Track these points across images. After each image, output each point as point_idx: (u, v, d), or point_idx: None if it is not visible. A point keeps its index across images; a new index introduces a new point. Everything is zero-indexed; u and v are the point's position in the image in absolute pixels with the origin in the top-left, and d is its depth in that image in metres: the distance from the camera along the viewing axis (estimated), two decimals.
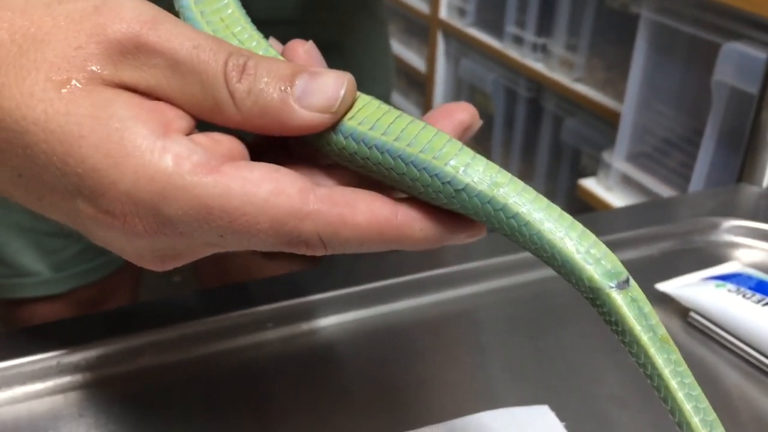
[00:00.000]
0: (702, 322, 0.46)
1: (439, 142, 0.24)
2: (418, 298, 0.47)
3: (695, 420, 0.23)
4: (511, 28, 1.50)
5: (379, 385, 0.41)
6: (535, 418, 0.38)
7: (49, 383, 0.40)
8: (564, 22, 1.36)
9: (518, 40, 1.48)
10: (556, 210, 0.24)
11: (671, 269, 0.50)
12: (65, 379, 0.40)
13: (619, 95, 1.24)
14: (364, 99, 0.26)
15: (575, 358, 0.44)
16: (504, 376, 0.42)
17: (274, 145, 0.28)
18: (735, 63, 0.97)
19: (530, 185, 0.25)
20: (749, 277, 0.47)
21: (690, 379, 0.24)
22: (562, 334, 0.45)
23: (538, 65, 1.44)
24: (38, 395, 0.39)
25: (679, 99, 1.15)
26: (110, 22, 0.24)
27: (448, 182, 0.24)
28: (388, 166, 0.25)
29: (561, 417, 0.38)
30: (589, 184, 1.28)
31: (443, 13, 1.74)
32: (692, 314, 0.46)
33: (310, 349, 0.43)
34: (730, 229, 0.55)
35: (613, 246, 0.25)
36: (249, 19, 0.28)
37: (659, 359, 0.24)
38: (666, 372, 0.23)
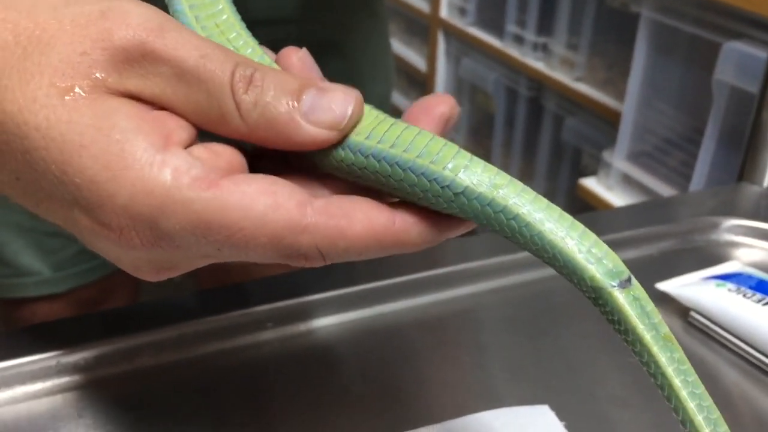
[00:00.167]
0: (702, 321, 0.46)
1: (435, 146, 0.24)
2: (418, 298, 0.47)
3: (699, 418, 0.23)
4: (511, 28, 1.50)
5: (378, 385, 0.41)
6: (535, 418, 0.38)
7: (48, 383, 0.40)
8: (564, 21, 1.36)
9: (519, 40, 1.48)
10: (557, 210, 0.24)
11: (671, 269, 0.49)
12: (64, 379, 0.40)
13: (620, 94, 1.24)
14: None
15: (575, 358, 0.44)
16: (504, 376, 0.42)
17: (271, 152, 0.28)
18: (735, 62, 0.97)
19: (531, 184, 0.24)
20: (749, 277, 0.47)
21: (693, 377, 0.24)
22: (562, 333, 0.45)
23: (538, 64, 1.44)
24: (37, 395, 0.39)
25: (679, 98, 1.15)
26: (116, 27, 0.24)
27: (447, 186, 0.24)
28: (385, 173, 0.24)
29: (561, 417, 0.38)
30: (590, 183, 1.28)
31: (444, 13, 1.74)
32: (692, 314, 0.46)
33: (309, 348, 0.43)
34: (730, 228, 0.55)
35: (613, 245, 0.24)
36: (244, 25, 0.28)
37: (662, 358, 0.23)
38: (669, 370, 0.23)
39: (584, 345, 0.45)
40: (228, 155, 0.25)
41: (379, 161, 0.24)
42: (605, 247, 0.24)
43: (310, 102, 0.24)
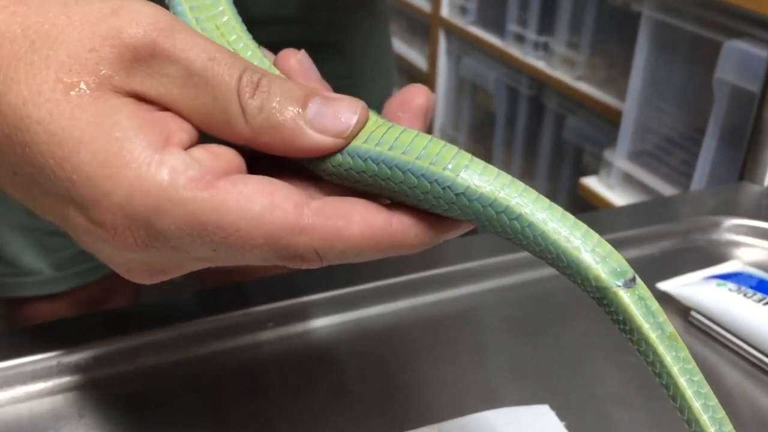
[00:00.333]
0: (703, 321, 0.46)
1: (434, 147, 0.24)
2: (418, 298, 0.47)
3: (704, 418, 0.23)
4: (512, 27, 1.50)
5: (378, 385, 0.41)
6: (535, 418, 0.38)
7: (50, 383, 0.40)
8: (565, 20, 1.36)
9: (520, 39, 1.48)
10: (559, 210, 0.24)
11: (672, 268, 0.49)
12: (65, 379, 0.40)
13: (621, 93, 1.24)
14: None
15: (575, 358, 0.44)
16: (504, 375, 0.42)
17: (269, 154, 0.28)
18: (736, 61, 0.97)
19: (531, 184, 0.24)
20: (750, 276, 0.47)
21: (699, 376, 0.24)
22: (562, 333, 0.45)
23: (539, 63, 1.44)
24: (38, 395, 0.39)
25: (680, 97, 1.15)
26: (127, 26, 0.24)
27: (448, 186, 0.23)
28: (384, 176, 0.24)
29: (561, 417, 0.38)
30: (591, 182, 1.28)
31: (445, 12, 1.74)
32: (693, 313, 0.46)
33: (309, 348, 0.43)
34: (731, 227, 0.55)
35: (614, 245, 0.24)
36: (245, 27, 0.28)
37: (668, 357, 0.23)
38: (674, 370, 0.23)
39: (584, 344, 0.45)
40: (227, 156, 0.25)
41: (378, 164, 0.24)
42: (609, 246, 0.24)
43: (316, 109, 0.25)
